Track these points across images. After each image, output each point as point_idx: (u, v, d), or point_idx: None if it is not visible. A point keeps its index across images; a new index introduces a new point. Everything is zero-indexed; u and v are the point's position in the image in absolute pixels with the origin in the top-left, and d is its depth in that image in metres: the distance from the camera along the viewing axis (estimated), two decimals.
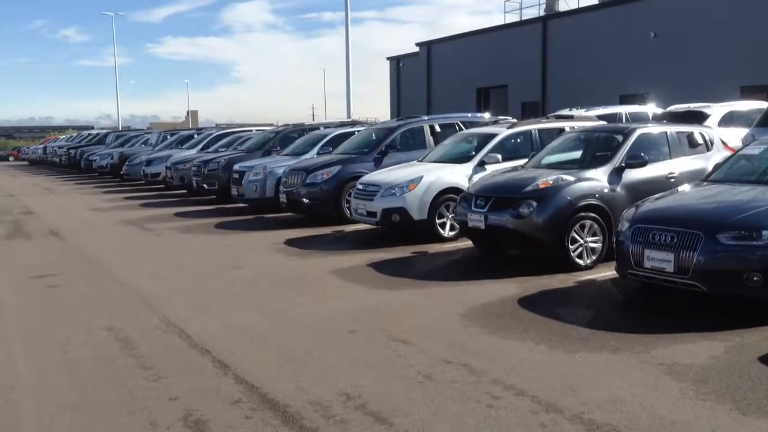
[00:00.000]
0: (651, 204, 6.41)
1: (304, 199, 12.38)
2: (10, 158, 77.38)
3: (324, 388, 4.55)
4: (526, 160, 9.98)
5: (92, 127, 79.69)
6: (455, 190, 9.94)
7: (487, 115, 14.54)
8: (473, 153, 10.50)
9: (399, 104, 46.63)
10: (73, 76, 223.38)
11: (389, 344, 5.41)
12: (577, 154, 9.05)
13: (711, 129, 9.20)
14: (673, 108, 13.89)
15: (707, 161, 8.60)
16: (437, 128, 13.08)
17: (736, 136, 11.14)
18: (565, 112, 14.99)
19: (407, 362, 4.97)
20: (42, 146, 50.62)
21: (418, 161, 11.33)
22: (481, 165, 10.13)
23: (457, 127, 13.31)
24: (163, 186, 21.77)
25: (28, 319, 6.70)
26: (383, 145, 12.61)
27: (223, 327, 6.11)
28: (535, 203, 7.58)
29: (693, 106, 13.27)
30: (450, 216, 9.93)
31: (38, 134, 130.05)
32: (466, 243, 9.57)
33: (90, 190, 23.10)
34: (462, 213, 8.41)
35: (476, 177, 9.60)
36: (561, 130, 10.76)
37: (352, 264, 8.66)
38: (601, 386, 4.33)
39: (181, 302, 7.09)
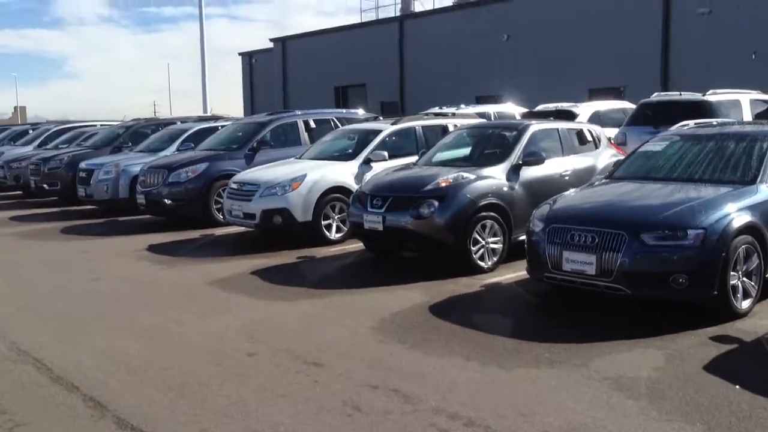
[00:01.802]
0: (565, 202, 6.12)
1: (166, 200, 11.20)
2: None
3: (233, 430, 3.75)
4: (411, 157, 9.55)
5: None
6: (341, 189, 9.29)
7: (361, 112, 13.98)
8: (356, 150, 9.89)
9: (252, 101, 45.22)
10: None
11: (300, 368, 4.67)
12: (468, 151, 8.71)
13: (597, 127, 9.21)
14: (541, 107, 14.10)
15: (596, 159, 8.57)
16: (312, 124, 12.35)
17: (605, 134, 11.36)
18: (435, 110, 14.78)
19: (327, 390, 4.26)
20: None
21: (297, 158, 10.55)
22: (367, 163, 9.54)
23: (332, 123, 12.64)
24: None
25: None
26: (254, 141, 11.69)
27: (90, 354, 5.08)
28: (436, 203, 7.10)
29: (561, 105, 13.49)
30: (336, 217, 9.27)
31: None
32: (355, 245, 8.96)
33: None
34: (356, 214, 7.78)
35: (367, 175, 9.01)
36: (444, 128, 10.44)
37: (233, 272, 7.77)
38: (555, 409, 3.87)
39: (32, 325, 5.91)
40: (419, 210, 7.13)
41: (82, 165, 13.59)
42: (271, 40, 40.02)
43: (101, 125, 19.79)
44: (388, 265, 8.12)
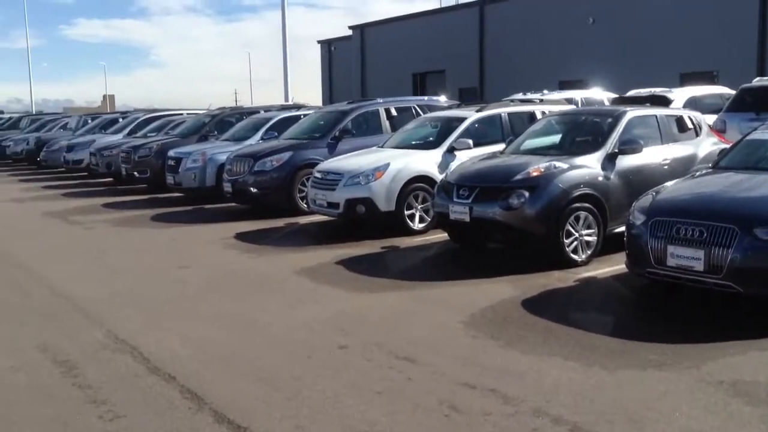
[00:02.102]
0: (669, 193, 5.78)
1: (252, 189, 11.32)
2: None
3: (329, 427, 3.68)
4: (497, 145, 9.31)
5: (2, 112, 74.93)
6: (424, 178, 9.15)
7: (443, 98, 13.78)
8: (440, 138, 9.71)
9: (331, 89, 45.55)
10: None
11: (393, 363, 4.57)
12: (559, 139, 8.39)
13: (698, 113, 8.71)
14: (633, 92, 13.49)
15: (697, 147, 8.09)
16: (393, 112, 12.23)
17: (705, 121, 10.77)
18: (519, 96, 14.39)
19: (422, 388, 4.14)
20: None
21: (379, 147, 10.46)
22: (451, 151, 9.36)
23: (414, 111, 12.50)
24: (86, 174, 20.12)
25: None
26: (337, 130, 11.67)
27: (183, 343, 5.13)
28: (527, 193, 6.85)
29: (656, 90, 12.88)
30: (419, 207, 9.13)
31: None
32: (438, 236, 8.81)
33: (4, 179, 21.16)
34: (441, 204, 7.61)
35: (451, 164, 8.83)
36: (531, 114, 10.13)
37: (318, 261, 7.75)
38: (667, 416, 3.63)
39: (126, 311, 6.03)
40: (509, 201, 6.90)
41: (171, 153, 13.93)
42: (350, 27, 40.12)
43: (188, 114, 20.29)
44: (474, 257, 7.92)
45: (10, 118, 37.20)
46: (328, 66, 46.23)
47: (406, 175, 9.02)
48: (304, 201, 11.20)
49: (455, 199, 7.35)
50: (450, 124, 9.82)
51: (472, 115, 9.79)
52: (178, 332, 5.39)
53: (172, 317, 5.83)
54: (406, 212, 9.08)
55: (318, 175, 9.65)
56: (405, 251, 8.35)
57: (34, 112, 48.37)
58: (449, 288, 6.47)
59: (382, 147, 10.39)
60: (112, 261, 8.30)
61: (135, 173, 15.49)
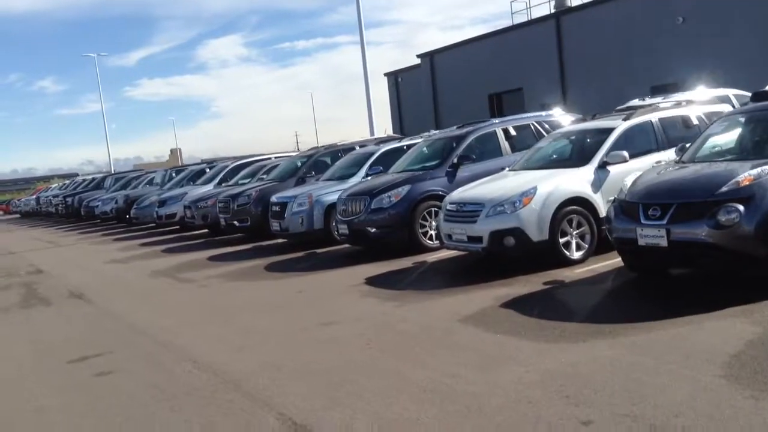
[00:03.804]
0: None
1: (370, 229, 10.47)
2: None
3: None
4: (651, 156, 8.23)
5: (77, 174, 77.43)
6: (578, 200, 8.08)
7: (557, 111, 12.68)
8: (586, 153, 8.63)
9: (401, 120, 44.93)
10: (52, 125, 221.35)
11: None
12: (745, 141, 7.18)
13: None
14: None
15: None
16: (512, 131, 11.24)
17: None
18: (636, 102, 13.15)
19: None
20: (34, 197, 48.52)
21: (511, 170, 9.45)
22: (603, 167, 8.28)
23: (533, 128, 11.49)
24: (177, 228, 19.87)
25: None
26: (454, 157, 10.74)
27: (380, 427, 4.17)
28: (741, 207, 5.69)
29: None
30: (575, 233, 8.05)
31: (23, 186, 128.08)
32: (600, 264, 7.75)
33: (98, 239, 21.13)
34: (623, 228, 6.50)
35: (606, 181, 7.79)
36: (685, 118, 8.95)
37: (480, 306, 6.73)
38: None
39: (290, 386, 5.13)
40: (718, 217, 5.75)
41: (274, 198, 13.28)
42: (418, 56, 39.55)
43: (275, 157, 19.82)
44: (665, 287, 6.76)
45: (93, 179, 37.98)
46: (396, 97, 45.71)
47: (557, 199, 7.96)
48: (427, 237, 10.31)
49: (644, 221, 6.23)
50: (596, 137, 8.75)
51: (620, 124, 8.68)
52: (368, 412, 4.44)
53: (348, 390, 4.90)
54: (561, 240, 8.00)
55: (451, 207, 8.69)
56: (575, 286, 7.24)
57: (112, 172, 49.17)
58: (664, 329, 5.33)
59: (514, 170, 9.37)
60: (245, 322, 7.51)
61: (235, 222, 14.93)
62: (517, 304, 6.68)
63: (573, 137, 9.35)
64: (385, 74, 46.57)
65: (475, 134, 11.11)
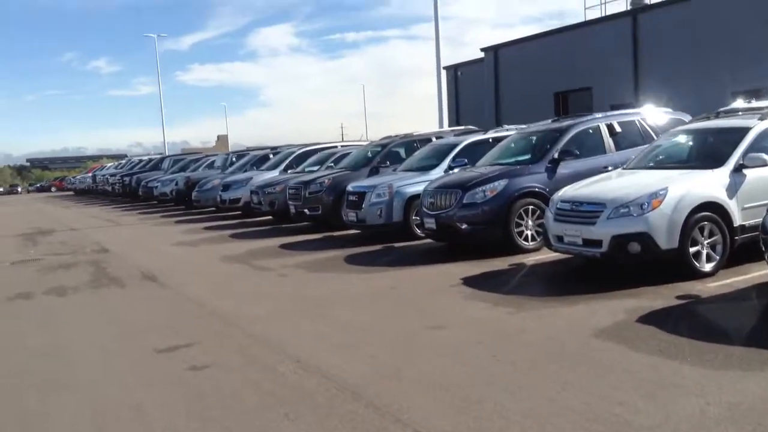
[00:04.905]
0: None
1: (460, 224, 9.77)
2: (53, 189, 76.62)
3: None
4: None
5: (125, 156, 78.52)
6: (711, 205, 7.25)
7: (647, 108, 11.77)
8: (718, 154, 7.77)
9: (458, 114, 44.02)
10: (103, 106, 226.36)
11: None
12: None
13: None
14: None
15: None
16: (617, 127, 10.42)
17: None
18: (739, 103, 12.18)
19: None
20: (90, 175, 49.08)
21: (626, 168, 8.66)
22: (739, 170, 7.44)
23: (638, 125, 10.65)
24: (239, 213, 19.47)
25: None
26: (555, 152, 9.97)
27: None
28: None
29: None
30: (706, 242, 7.23)
31: (73, 164, 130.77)
32: (738, 279, 6.95)
33: (158, 221, 20.88)
34: None
35: (741, 187, 6.98)
36: None
37: (611, 319, 5.99)
38: None
39: (421, 400, 4.49)
40: None
41: (350, 188, 12.69)
42: (482, 49, 38.56)
43: (342, 146, 19.29)
44: None
45: (151, 160, 38.14)
46: (455, 92, 44.83)
47: (690, 203, 7.14)
48: (522, 237, 9.59)
49: None
50: (727, 137, 7.91)
51: (756, 123, 7.82)
52: None
53: (491, 411, 4.22)
54: (691, 249, 7.19)
55: (564, 206, 7.93)
56: (716, 302, 6.43)
57: (166, 154, 49.32)
58: None
59: (630, 168, 8.58)
60: (341, 318, 6.90)
61: (305, 210, 14.40)
62: (656, 319, 5.92)
63: (697, 136, 8.51)
64: (445, 68, 45.67)
65: (578, 128, 10.32)
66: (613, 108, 29.42)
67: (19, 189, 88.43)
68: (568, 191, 8.13)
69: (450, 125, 43.56)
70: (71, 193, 55.60)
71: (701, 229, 7.22)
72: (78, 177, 57.86)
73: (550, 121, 11.72)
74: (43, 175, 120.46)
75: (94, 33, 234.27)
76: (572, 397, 4.35)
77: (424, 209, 10.45)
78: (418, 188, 11.50)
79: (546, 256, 9.16)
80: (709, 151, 8.07)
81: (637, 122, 10.66)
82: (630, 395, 4.33)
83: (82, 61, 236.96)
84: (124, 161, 46.75)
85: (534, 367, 4.99)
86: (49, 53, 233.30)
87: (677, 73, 26.94)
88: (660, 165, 8.29)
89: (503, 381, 4.76)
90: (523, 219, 9.65)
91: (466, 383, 4.75)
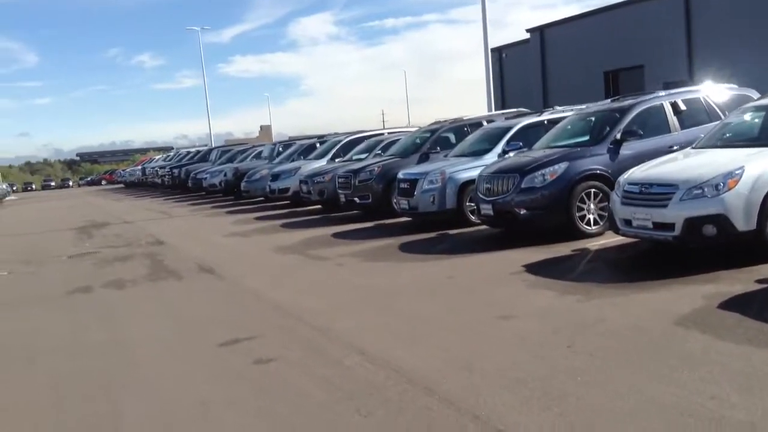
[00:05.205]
0: None
1: (519, 210, 9.49)
2: (103, 182, 78.37)
3: None
4: None
5: (172, 148, 79.69)
6: None
7: (707, 85, 11.25)
8: None
9: (503, 97, 43.37)
10: (148, 99, 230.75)
11: None
12: None
13: None
14: None
15: None
16: (681, 106, 9.97)
17: None
18: None
19: None
20: (139, 167, 49.95)
21: (694, 148, 8.26)
22: None
23: (703, 103, 10.18)
24: (288, 202, 19.47)
25: None
26: (617, 132, 9.59)
27: None
28: None
29: None
30: None
31: (121, 158, 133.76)
32: None
33: (209, 212, 21.03)
34: None
35: None
36: None
37: (690, 306, 5.67)
38: None
39: (498, 395, 4.27)
40: None
41: (401, 175, 12.49)
42: (528, 30, 37.93)
43: (389, 133, 19.10)
44: None
45: (198, 152, 38.53)
46: (500, 74, 44.13)
47: None
48: (584, 221, 9.27)
49: None
50: None
51: None
52: None
53: (576, 407, 3.99)
54: None
55: (632, 188, 7.58)
56: None
57: (212, 146, 49.69)
58: None
59: (698, 148, 8.18)
60: (404, 308, 6.73)
61: (356, 199, 14.27)
62: (739, 305, 5.59)
63: None
64: (493, 50, 44.95)
65: (640, 107, 9.90)
66: (667, 86, 28.64)
67: (71, 183, 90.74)
68: (636, 173, 7.78)
69: (496, 108, 42.97)
70: (121, 185, 56.70)
71: None
72: (128, 170, 58.98)
73: (609, 100, 11.32)
74: (93, 168, 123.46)
75: (138, 28, 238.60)
76: (665, 391, 4.08)
77: (480, 195, 10.19)
78: (472, 174, 11.26)
79: (609, 240, 8.83)
80: None
81: (702, 99, 10.18)
82: (723, 388, 4.05)
83: (126, 56, 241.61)
84: (172, 153, 47.35)
85: (615, 358, 4.74)
86: (95, 50, 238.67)
87: (734, 48, 25.97)
88: (731, 143, 7.87)
89: (584, 373, 4.51)
90: (584, 203, 9.31)
91: (544, 376, 4.52)
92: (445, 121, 15.35)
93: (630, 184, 7.64)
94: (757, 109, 8.34)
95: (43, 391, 5.31)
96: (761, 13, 25.09)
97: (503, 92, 43.67)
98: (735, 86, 10.84)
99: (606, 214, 9.17)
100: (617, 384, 4.27)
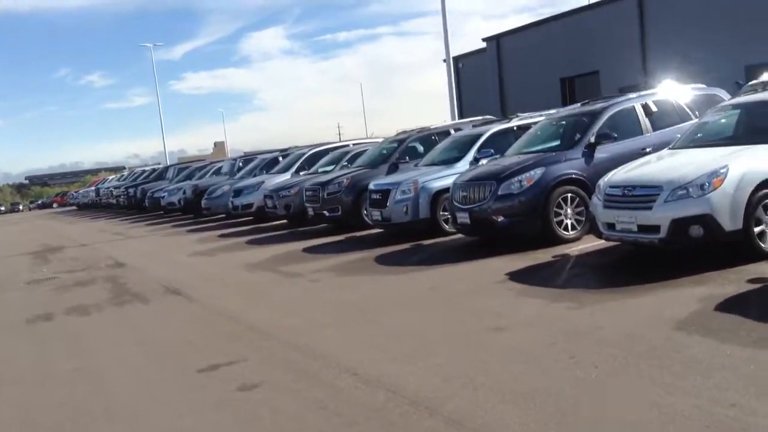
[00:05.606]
0: None
1: (496, 218, 9.31)
2: (54, 205, 76.23)
3: None
4: None
5: (124, 168, 78.10)
6: None
7: (666, 84, 11.30)
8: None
9: (461, 107, 43.49)
10: (99, 119, 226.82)
11: None
12: None
13: None
14: None
15: None
16: (653, 107, 9.95)
17: None
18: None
19: None
20: (93, 188, 48.63)
21: (672, 149, 8.20)
22: None
23: (673, 104, 10.19)
24: (252, 218, 19.03)
25: None
26: (591, 136, 9.51)
27: None
28: None
29: None
30: None
31: (71, 179, 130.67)
32: None
33: (169, 231, 20.45)
34: None
35: None
36: None
37: (686, 310, 5.51)
38: None
39: (508, 414, 4.03)
40: None
41: (372, 186, 12.24)
42: (484, 39, 38.11)
43: (353, 144, 18.83)
44: None
45: (154, 170, 37.68)
46: (457, 83, 44.27)
47: (753, 180, 6.66)
48: (562, 227, 9.14)
49: None
50: None
51: None
52: None
53: (592, 422, 3.78)
54: (756, 229, 6.73)
55: (613, 191, 7.45)
56: None
57: (167, 164, 48.45)
58: None
59: (678, 147, 8.11)
60: (390, 324, 6.46)
61: (325, 212, 13.94)
62: (735, 307, 5.47)
63: (748, 110, 8.03)
64: (444, 60, 45.16)
65: (612, 110, 9.85)
66: (622, 91, 29.04)
67: (21, 207, 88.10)
68: (618, 175, 7.66)
69: (452, 119, 43.14)
70: (74, 208, 55.16)
71: (765, 208, 6.75)
72: (81, 191, 57.38)
73: (579, 104, 11.26)
74: (43, 191, 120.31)
75: (87, 48, 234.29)
76: (678, 400, 3.89)
77: (456, 203, 9.99)
78: (445, 182, 11.08)
79: (588, 245, 8.72)
80: (764, 125, 7.59)
81: (672, 101, 10.18)
82: (740, 395, 3.88)
83: (76, 76, 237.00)
84: (126, 173, 46.24)
85: (622, 368, 4.54)
86: (44, 71, 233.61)
87: (688, 52, 26.42)
88: (710, 143, 7.81)
89: (593, 386, 4.30)
90: (561, 208, 9.19)
91: (551, 390, 4.29)
92: (412, 130, 15.17)
93: (612, 187, 7.51)
94: (734, 107, 8.32)
95: (11, 423, 4.90)
96: (713, 14, 25.61)
97: (461, 102, 43.74)
98: (703, 86, 10.89)
99: (583, 218, 9.09)
100: (632, 396, 4.06)
